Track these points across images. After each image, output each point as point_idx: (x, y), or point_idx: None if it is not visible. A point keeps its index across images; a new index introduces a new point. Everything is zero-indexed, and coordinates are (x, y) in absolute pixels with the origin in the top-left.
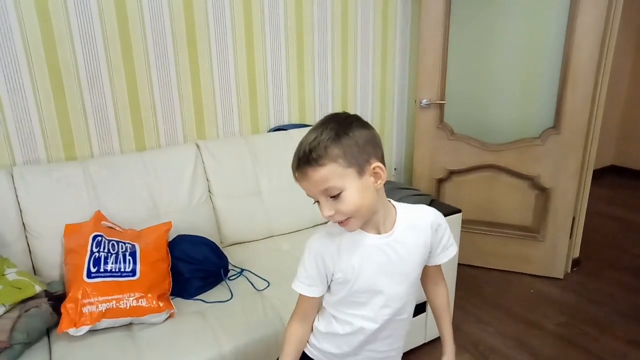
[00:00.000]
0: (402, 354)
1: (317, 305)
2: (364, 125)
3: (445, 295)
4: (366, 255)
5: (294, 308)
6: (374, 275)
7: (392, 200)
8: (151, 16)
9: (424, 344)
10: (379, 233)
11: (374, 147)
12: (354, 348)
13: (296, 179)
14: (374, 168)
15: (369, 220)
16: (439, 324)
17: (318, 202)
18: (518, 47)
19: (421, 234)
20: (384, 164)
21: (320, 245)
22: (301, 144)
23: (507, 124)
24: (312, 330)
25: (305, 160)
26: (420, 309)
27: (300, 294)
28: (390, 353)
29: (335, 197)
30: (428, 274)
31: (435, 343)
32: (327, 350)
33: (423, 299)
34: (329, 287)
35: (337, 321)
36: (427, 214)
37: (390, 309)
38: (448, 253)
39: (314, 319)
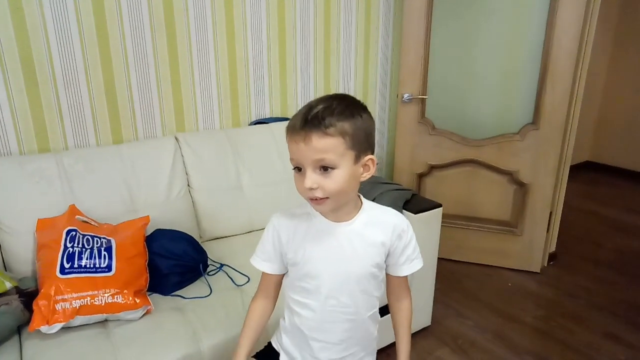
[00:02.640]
0: None
1: (277, 283)
2: (371, 116)
3: (407, 313)
4: (320, 240)
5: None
6: (322, 260)
7: (361, 196)
8: (128, 5)
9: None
10: (339, 221)
11: (373, 140)
12: (306, 348)
13: (292, 139)
14: (368, 160)
15: (336, 208)
16: (397, 340)
17: (298, 169)
18: (499, 43)
19: (381, 233)
20: None
21: (279, 222)
22: (311, 107)
23: (487, 119)
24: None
25: (315, 123)
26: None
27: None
28: None
29: (326, 171)
30: (392, 287)
31: (416, 337)
32: (287, 348)
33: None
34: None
35: (289, 310)
36: (392, 216)
37: (335, 302)
38: (412, 266)
39: (276, 297)
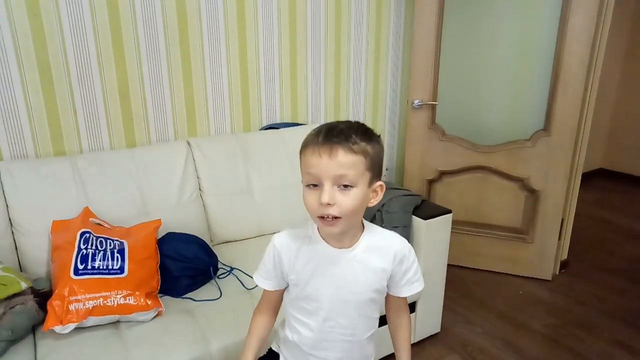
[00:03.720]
0: None
1: (279, 297)
2: (382, 144)
3: (407, 329)
4: (322, 264)
5: (260, 299)
6: (323, 285)
7: (364, 220)
8: (143, 10)
9: (412, 344)
10: (341, 247)
11: (382, 168)
12: None
13: (313, 152)
14: (378, 186)
15: (344, 231)
16: (398, 353)
17: (313, 186)
18: (510, 49)
19: (382, 259)
20: None
21: (281, 243)
22: (334, 125)
23: (498, 125)
24: (278, 324)
25: (342, 139)
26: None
27: None
28: None
29: (345, 189)
30: (391, 305)
31: (425, 343)
32: (286, 358)
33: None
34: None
35: (289, 325)
36: (394, 242)
37: (334, 323)
38: (412, 288)
39: (278, 308)
